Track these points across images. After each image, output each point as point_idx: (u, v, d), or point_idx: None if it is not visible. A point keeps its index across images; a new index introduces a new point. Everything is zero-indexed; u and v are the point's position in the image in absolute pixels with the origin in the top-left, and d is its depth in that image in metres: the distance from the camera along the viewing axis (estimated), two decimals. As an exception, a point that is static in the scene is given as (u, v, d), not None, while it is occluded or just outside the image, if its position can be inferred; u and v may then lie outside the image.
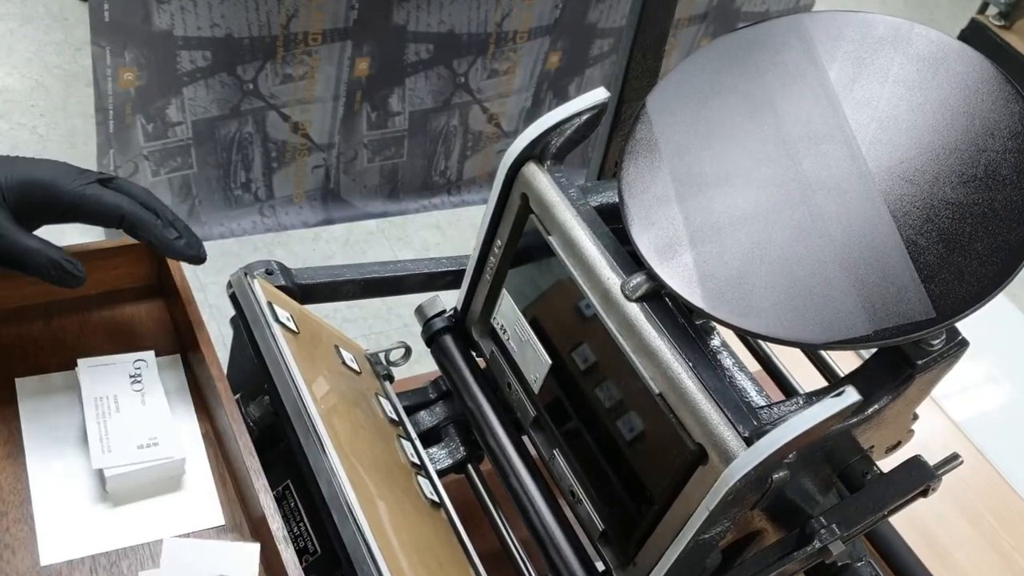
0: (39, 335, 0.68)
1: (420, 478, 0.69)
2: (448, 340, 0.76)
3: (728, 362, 0.76)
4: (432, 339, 0.77)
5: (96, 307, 0.71)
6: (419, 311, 0.79)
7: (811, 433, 0.51)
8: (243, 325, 0.66)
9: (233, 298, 0.68)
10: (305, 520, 0.65)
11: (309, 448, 0.60)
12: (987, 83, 0.59)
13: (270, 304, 0.66)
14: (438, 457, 0.75)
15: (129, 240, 0.66)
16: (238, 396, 0.68)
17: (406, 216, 2.10)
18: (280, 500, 0.66)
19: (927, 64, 0.61)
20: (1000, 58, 2.58)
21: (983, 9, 2.72)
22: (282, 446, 0.67)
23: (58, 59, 2.18)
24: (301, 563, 0.58)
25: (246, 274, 0.69)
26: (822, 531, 0.61)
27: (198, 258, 0.64)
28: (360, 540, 0.56)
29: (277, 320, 0.65)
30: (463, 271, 0.74)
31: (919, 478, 0.64)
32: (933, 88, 0.60)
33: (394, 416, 0.72)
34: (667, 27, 1.02)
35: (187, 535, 0.60)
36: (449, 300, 0.78)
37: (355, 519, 0.57)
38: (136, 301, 0.72)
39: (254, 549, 0.58)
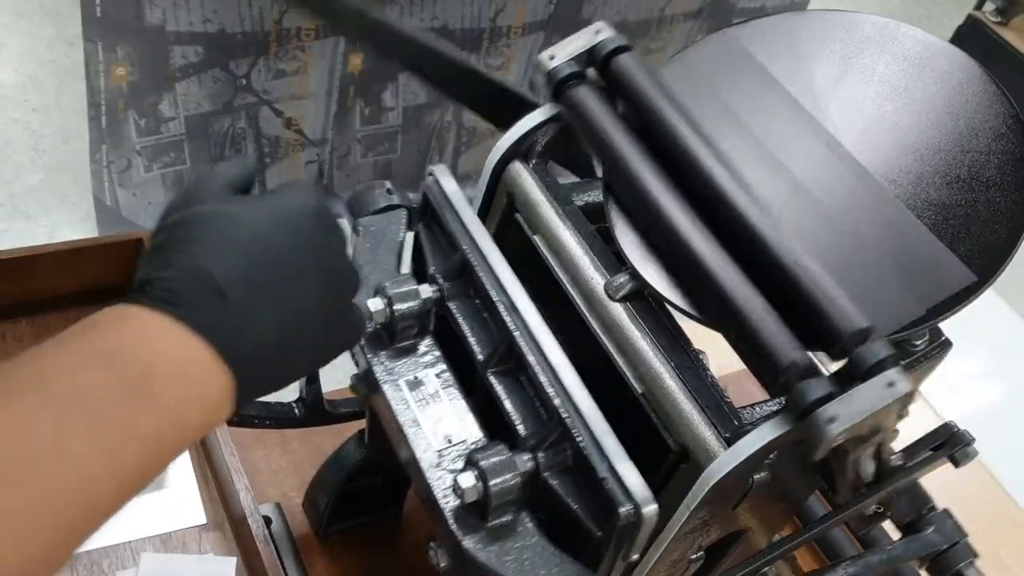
0: (22, 332, 0.68)
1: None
2: (583, 90, 0.62)
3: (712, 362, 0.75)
4: (559, 89, 0.63)
5: (80, 304, 0.71)
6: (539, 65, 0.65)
7: (791, 434, 0.50)
8: (436, 224, 0.65)
9: (424, 196, 0.66)
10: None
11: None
12: (972, 83, 0.59)
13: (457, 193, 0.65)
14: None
15: (111, 237, 0.66)
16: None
17: (400, 212, 2.10)
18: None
19: (913, 64, 0.61)
20: (996, 55, 2.59)
21: (980, 5, 2.72)
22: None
23: (51, 54, 2.18)
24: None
25: (430, 174, 0.67)
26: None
27: None
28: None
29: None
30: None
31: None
32: (918, 88, 0.60)
33: None
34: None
35: (168, 534, 0.60)
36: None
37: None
38: (119, 299, 0.72)
39: (230, 563, 0.58)
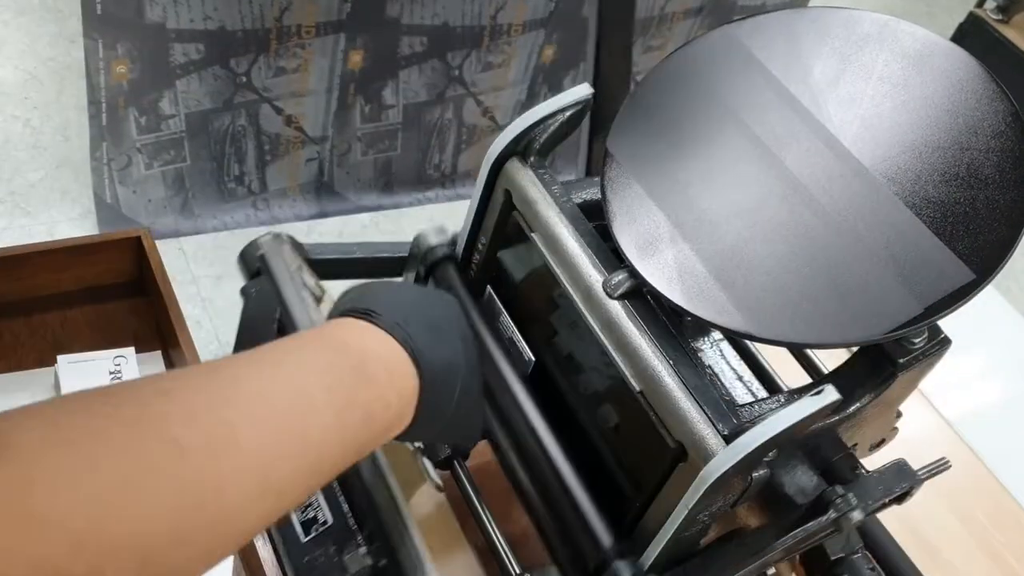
0: (19, 330, 0.68)
1: (424, 459, 0.68)
2: (451, 269, 0.71)
3: (712, 359, 0.75)
4: (432, 269, 0.73)
5: (77, 303, 0.70)
6: (418, 240, 0.73)
7: (790, 431, 0.50)
8: (265, 290, 0.65)
9: (261, 259, 0.67)
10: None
11: None
12: (972, 81, 0.59)
13: (300, 266, 0.65)
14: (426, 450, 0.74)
15: (111, 235, 0.66)
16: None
17: (400, 209, 2.10)
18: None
19: (913, 62, 0.61)
20: (998, 52, 2.58)
21: (981, 3, 2.71)
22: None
23: (52, 51, 2.17)
24: (310, 534, 0.58)
25: (275, 237, 0.68)
26: (838, 500, 0.60)
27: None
28: (393, 504, 0.56)
29: (305, 285, 0.65)
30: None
31: (901, 481, 0.64)
32: (917, 85, 0.60)
33: None
34: (630, 32, 1.01)
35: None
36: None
37: (387, 484, 0.57)
38: (118, 298, 0.72)
39: (226, 560, 0.57)
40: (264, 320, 0.67)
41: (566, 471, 0.62)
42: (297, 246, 0.72)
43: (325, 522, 0.62)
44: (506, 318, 0.68)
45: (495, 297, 0.69)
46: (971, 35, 2.65)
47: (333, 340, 0.46)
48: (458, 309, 0.55)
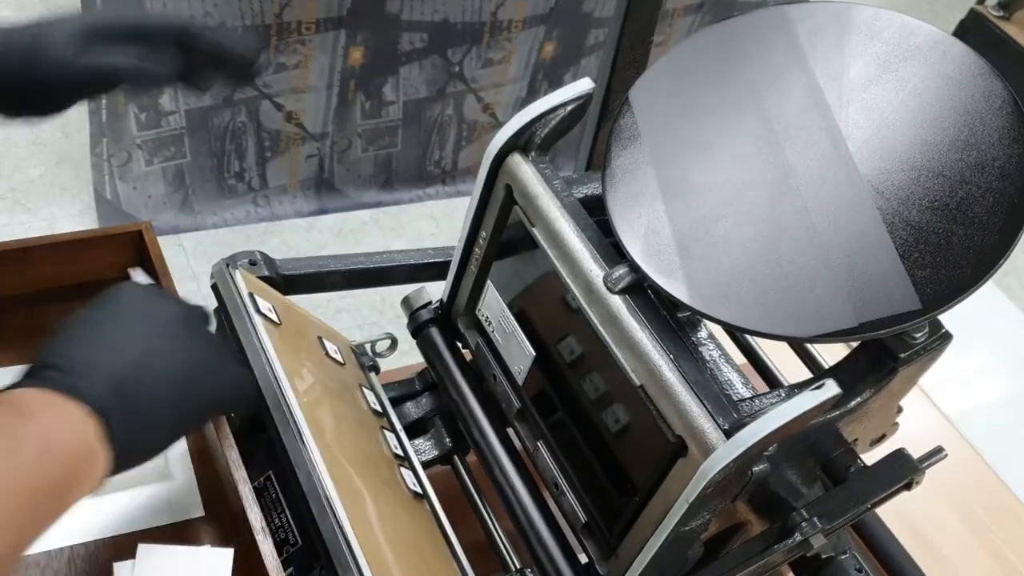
0: (21, 324, 0.68)
1: (403, 469, 0.69)
2: (434, 332, 0.76)
3: (713, 354, 0.75)
4: (418, 331, 0.77)
5: (79, 296, 0.70)
6: (405, 302, 0.78)
7: (790, 426, 0.50)
8: (223, 316, 0.66)
9: (215, 289, 0.68)
10: (286, 511, 0.65)
11: (288, 440, 0.60)
12: (976, 78, 0.59)
13: (251, 295, 0.66)
14: (424, 448, 0.74)
15: (112, 229, 0.66)
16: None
17: (400, 206, 2.10)
18: (261, 491, 0.66)
19: (953, 85, 0.59)
20: (999, 49, 2.58)
21: (982, 0, 2.71)
22: (264, 436, 0.67)
23: (52, 47, 2.17)
24: (281, 554, 0.58)
25: (228, 265, 0.68)
26: (803, 524, 0.61)
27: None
28: (339, 532, 0.56)
29: (258, 311, 0.65)
30: (449, 262, 0.74)
31: (902, 471, 0.64)
32: (917, 78, 0.60)
33: (378, 407, 0.72)
34: (654, 17, 1.01)
35: (167, 526, 0.60)
36: (436, 291, 0.78)
37: (334, 511, 0.57)
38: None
39: (227, 553, 0.58)
40: (229, 346, 0.68)
41: (537, 519, 0.67)
42: (269, 262, 0.73)
43: (296, 543, 0.63)
44: (506, 314, 0.68)
45: (496, 293, 0.69)
46: (972, 32, 2.65)
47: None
48: (134, 297, 0.53)
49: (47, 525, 0.44)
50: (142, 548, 0.57)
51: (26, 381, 0.47)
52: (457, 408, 0.73)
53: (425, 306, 0.77)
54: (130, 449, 0.48)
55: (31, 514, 0.43)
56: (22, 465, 0.43)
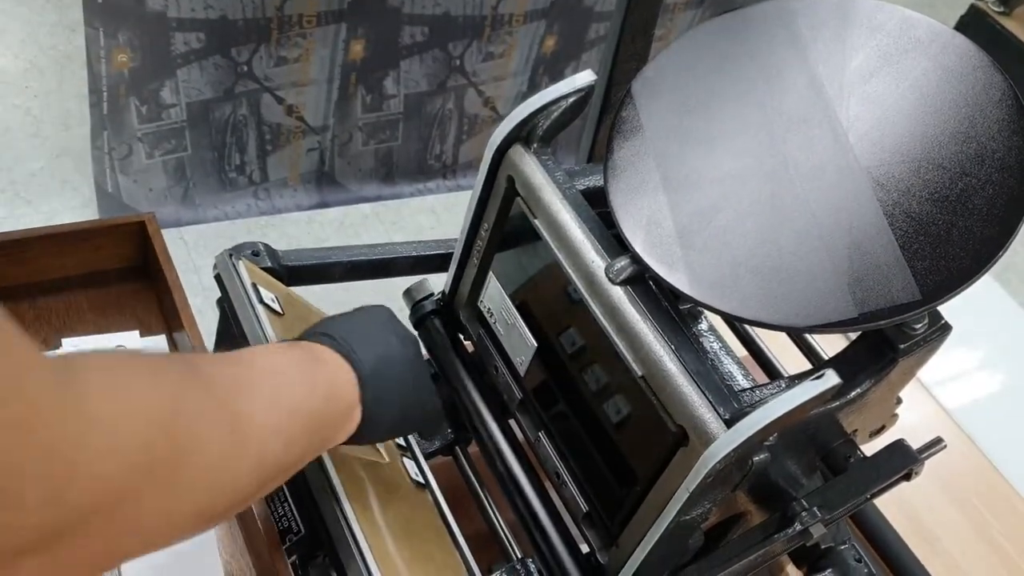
0: (24, 314, 0.68)
1: (405, 459, 0.69)
2: (436, 323, 0.76)
3: (713, 345, 0.76)
4: (420, 322, 0.77)
5: (81, 287, 0.71)
6: (407, 294, 0.79)
7: (791, 416, 0.51)
8: (227, 305, 0.66)
9: (218, 279, 0.68)
10: (289, 500, 0.65)
11: None
12: (965, 63, 0.59)
13: (254, 285, 0.66)
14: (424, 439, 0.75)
15: (115, 220, 0.66)
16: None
17: (401, 200, 2.10)
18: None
19: (953, 78, 0.59)
20: (999, 44, 2.58)
21: (982, -5, 2.71)
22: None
23: (52, 40, 2.17)
24: (284, 543, 0.58)
25: (231, 255, 0.68)
26: (803, 513, 0.61)
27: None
28: (342, 520, 0.57)
29: (261, 301, 0.65)
30: (451, 254, 0.74)
31: (902, 462, 0.64)
32: (918, 71, 0.60)
33: None
34: (656, 10, 1.01)
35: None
36: (438, 283, 0.78)
37: (337, 499, 0.57)
38: (122, 282, 0.73)
39: (215, 563, 0.58)
40: (230, 335, 0.69)
41: (540, 510, 0.67)
42: (272, 253, 0.73)
43: (299, 532, 0.63)
44: (508, 306, 0.68)
45: (498, 284, 0.69)
46: (972, 27, 2.65)
47: (292, 344, 0.57)
48: (387, 314, 0.63)
49: (312, 457, 0.53)
50: (126, 568, 0.58)
51: (314, 338, 0.57)
52: (459, 399, 0.73)
53: (427, 298, 0.77)
54: (367, 423, 0.56)
55: (310, 439, 0.51)
56: (316, 397, 0.52)
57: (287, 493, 0.66)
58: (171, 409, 0.40)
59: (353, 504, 0.57)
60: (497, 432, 0.71)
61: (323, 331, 0.57)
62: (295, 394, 0.50)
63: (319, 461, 0.59)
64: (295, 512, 0.64)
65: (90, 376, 0.37)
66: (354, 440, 0.57)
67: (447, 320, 0.77)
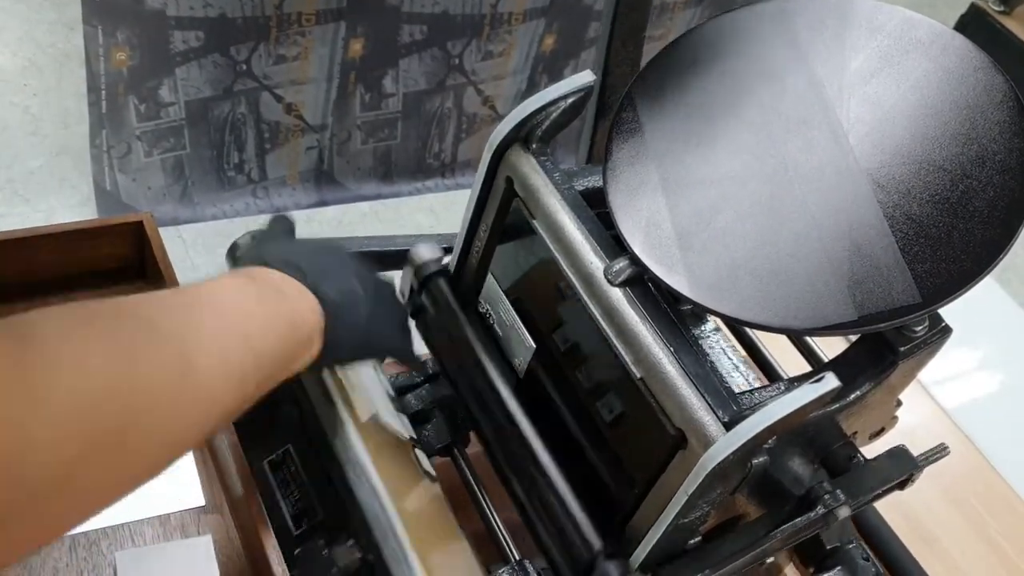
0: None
1: (417, 451, 0.69)
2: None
3: (716, 347, 0.76)
4: (417, 314, 0.76)
5: (79, 287, 0.71)
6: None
7: (790, 419, 0.51)
8: None
9: (237, 262, 0.67)
10: (306, 483, 0.65)
11: (322, 411, 0.60)
12: (966, 64, 0.59)
13: None
14: (424, 439, 0.74)
15: (113, 219, 0.66)
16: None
17: (400, 199, 2.10)
18: (279, 464, 0.66)
19: (955, 80, 0.59)
20: (999, 44, 2.58)
21: (982, -6, 2.71)
22: (283, 411, 0.67)
23: (51, 38, 2.17)
24: (301, 526, 0.59)
25: (253, 237, 0.68)
26: (826, 496, 0.60)
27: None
28: (377, 503, 0.57)
29: None
30: (451, 248, 0.74)
31: (902, 467, 0.64)
32: (918, 72, 0.60)
33: (390, 391, 0.73)
34: (645, 14, 1.01)
35: (167, 515, 0.61)
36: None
37: (370, 481, 0.58)
38: (119, 282, 0.72)
39: (206, 541, 0.58)
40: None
41: (553, 473, 0.64)
42: None
43: (316, 515, 0.63)
44: (507, 306, 0.68)
45: (497, 285, 0.69)
46: (972, 27, 2.64)
47: (251, 273, 0.56)
48: (347, 255, 0.64)
49: (269, 388, 0.53)
50: (120, 555, 0.58)
51: (277, 265, 0.57)
52: (458, 394, 0.73)
53: (434, 261, 0.76)
54: (329, 349, 0.57)
55: (268, 372, 0.52)
56: (280, 326, 0.53)
57: (304, 477, 0.66)
58: (125, 374, 0.40)
59: (386, 485, 0.58)
60: (511, 398, 0.68)
61: (286, 260, 0.57)
62: (251, 332, 0.51)
63: (346, 440, 0.60)
64: (313, 495, 0.64)
65: (45, 348, 0.37)
66: (314, 366, 0.57)
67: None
